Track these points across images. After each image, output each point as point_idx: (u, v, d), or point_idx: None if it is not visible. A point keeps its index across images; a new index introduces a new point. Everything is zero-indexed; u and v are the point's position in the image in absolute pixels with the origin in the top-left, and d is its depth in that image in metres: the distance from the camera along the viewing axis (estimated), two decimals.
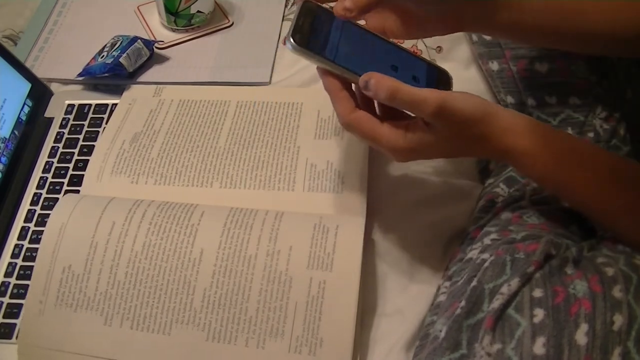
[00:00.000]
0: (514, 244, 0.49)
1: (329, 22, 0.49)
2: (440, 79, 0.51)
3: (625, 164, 0.51)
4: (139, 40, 0.73)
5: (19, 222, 0.63)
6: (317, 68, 0.48)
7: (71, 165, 0.67)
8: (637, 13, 0.49)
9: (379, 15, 0.52)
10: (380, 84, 0.44)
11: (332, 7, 0.50)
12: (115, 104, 0.71)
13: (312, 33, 0.47)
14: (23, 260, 0.60)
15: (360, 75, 0.46)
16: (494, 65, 0.66)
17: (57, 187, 0.65)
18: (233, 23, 0.81)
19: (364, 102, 0.48)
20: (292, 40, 0.46)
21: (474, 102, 0.46)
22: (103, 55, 0.72)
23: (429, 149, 0.47)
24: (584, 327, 0.41)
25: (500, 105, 0.48)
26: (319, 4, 0.50)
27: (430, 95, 0.44)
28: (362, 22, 0.52)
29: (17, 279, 0.59)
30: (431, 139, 0.46)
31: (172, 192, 0.62)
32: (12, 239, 0.62)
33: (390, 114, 0.49)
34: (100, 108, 0.71)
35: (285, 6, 0.83)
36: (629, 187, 0.48)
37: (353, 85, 0.48)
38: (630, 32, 0.50)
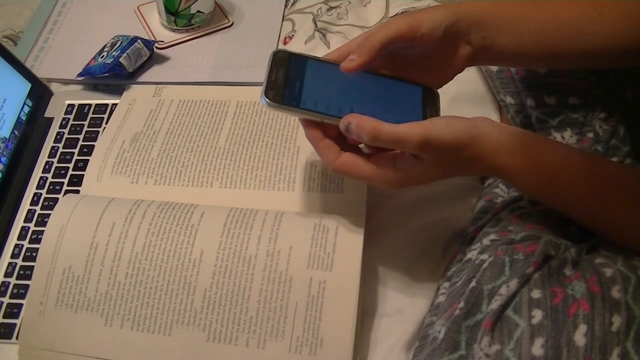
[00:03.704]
0: (513, 245, 0.49)
1: (302, 67, 0.49)
2: (426, 99, 0.51)
3: (619, 170, 0.51)
4: (139, 40, 0.73)
5: (19, 222, 0.63)
6: (299, 118, 0.48)
7: (71, 165, 0.67)
8: (636, 23, 0.49)
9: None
10: (360, 126, 0.45)
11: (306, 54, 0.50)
12: (115, 104, 0.71)
13: (286, 84, 0.47)
14: (23, 260, 0.60)
15: (340, 118, 0.46)
16: (494, 66, 0.65)
17: (57, 187, 0.65)
18: (233, 23, 0.81)
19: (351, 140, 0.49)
20: (265, 98, 0.46)
21: (460, 128, 0.46)
22: (103, 55, 0.72)
23: (420, 176, 0.47)
24: (582, 328, 0.41)
25: (489, 123, 0.48)
26: (291, 51, 0.50)
27: (411, 131, 0.44)
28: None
29: (17, 279, 0.59)
30: (420, 168, 0.46)
31: (172, 192, 0.62)
32: (12, 239, 0.62)
33: (377, 147, 0.49)
34: (100, 108, 0.72)
35: (285, 6, 0.83)
36: (625, 195, 0.48)
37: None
38: (630, 43, 0.49)
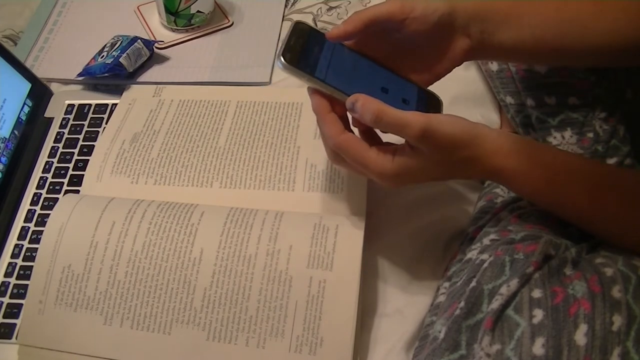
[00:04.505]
0: (513, 245, 0.49)
1: (321, 44, 0.49)
2: (430, 103, 0.51)
3: (617, 172, 0.51)
4: (139, 40, 0.73)
5: (19, 222, 0.63)
6: (307, 88, 0.48)
7: (71, 165, 0.67)
8: (635, 21, 0.49)
9: (390, 61, 0.52)
10: (366, 106, 0.44)
11: (324, 30, 0.50)
12: (115, 104, 0.71)
13: (302, 53, 0.47)
14: (23, 260, 0.60)
15: (349, 96, 0.46)
16: (494, 66, 0.66)
17: (57, 187, 0.65)
18: (233, 23, 0.81)
19: (349, 128, 0.48)
20: (282, 58, 0.46)
21: (461, 126, 0.46)
22: (103, 55, 0.72)
23: (416, 173, 0.47)
24: (583, 327, 0.41)
25: (488, 127, 0.48)
26: (312, 25, 0.50)
27: (414, 118, 0.44)
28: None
29: (17, 279, 0.59)
30: (418, 163, 0.46)
31: (172, 192, 0.62)
32: (12, 239, 0.62)
33: (375, 140, 0.49)
34: (100, 108, 0.72)
35: (285, 6, 0.83)
36: (623, 197, 0.48)
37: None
38: (630, 41, 0.50)
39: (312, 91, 0.48)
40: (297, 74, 0.47)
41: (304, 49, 0.48)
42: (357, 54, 0.51)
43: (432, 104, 0.51)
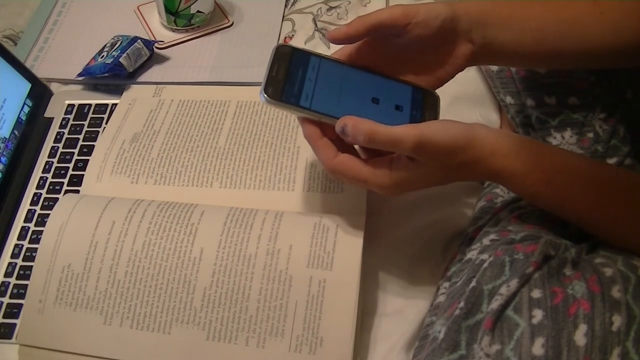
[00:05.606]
0: (512, 245, 0.49)
1: (305, 64, 0.49)
2: (426, 102, 0.51)
3: (616, 174, 0.51)
4: (139, 40, 0.73)
5: (19, 222, 0.63)
6: (297, 116, 0.48)
7: (71, 165, 0.67)
8: (636, 22, 0.49)
9: (394, 69, 0.52)
10: (356, 128, 0.44)
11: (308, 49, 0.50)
12: (115, 104, 0.71)
13: (286, 81, 0.47)
14: (23, 260, 0.60)
15: (338, 119, 0.46)
16: (494, 66, 0.66)
17: (57, 187, 0.65)
18: (233, 23, 0.81)
19: (346, 143, 0.48)
20: (264, 94, 0.46)
21: (456, 130, 0.46)
22: (103, 55, 0.72)
23: (416, 182, 0.47)
24: (582, 327, 0.41)
25: (485, 127, 0.48)
26: (294, 46, 0.50)
27: (407, 132, 0.44)
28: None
29: (17, 279, 0.59)
30: (416, 173, 0.46)
31: (172, 192, 0.62)
32: (12, 239, 0.62)
33: (373, 151, 0.49)
34: (100, 108, 0.72)
35: (285, 6, 0.83)
36: (623, 196, 0.48)
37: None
38: (631, 43, 0.49)
39: (302, 119, 0.48)
40: (282, 107, 0.46)
41: (287, 76, 0.47)
42: (344, 65, 0.50)
43: (429, 103, 0.51)
